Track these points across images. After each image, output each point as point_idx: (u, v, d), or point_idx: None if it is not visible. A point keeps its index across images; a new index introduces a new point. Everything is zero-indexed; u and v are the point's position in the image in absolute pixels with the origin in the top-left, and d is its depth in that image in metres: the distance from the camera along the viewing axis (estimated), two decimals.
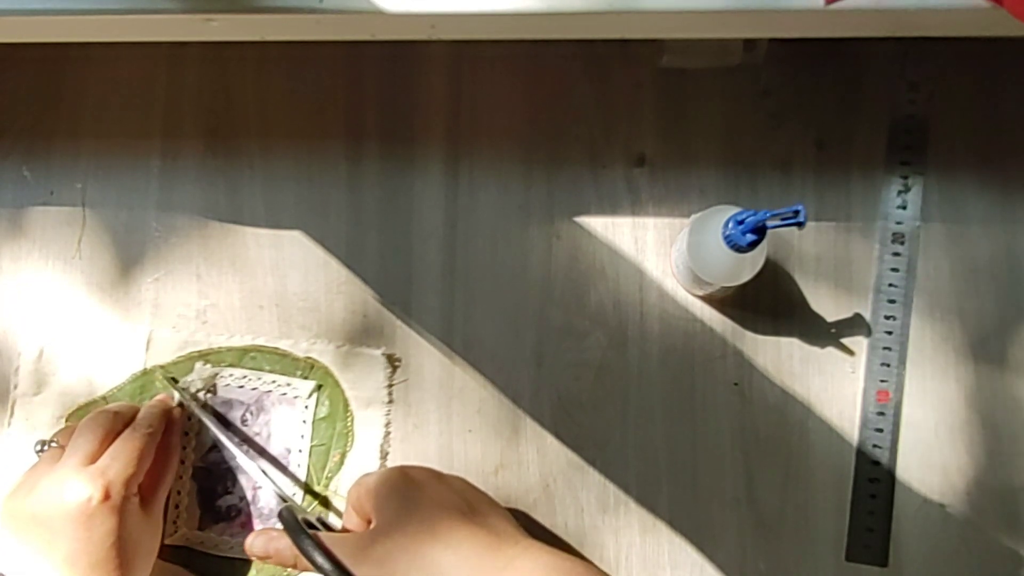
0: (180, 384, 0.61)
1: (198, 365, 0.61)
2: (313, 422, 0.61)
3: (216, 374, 0.61)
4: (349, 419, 0.61)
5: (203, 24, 0.52)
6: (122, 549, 0.53)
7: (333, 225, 0.63)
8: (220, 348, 0.62)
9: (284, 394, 0.61)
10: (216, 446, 0.61)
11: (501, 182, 0.63)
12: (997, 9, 0.49)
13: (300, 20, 0.52)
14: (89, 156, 0.64)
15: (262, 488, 0.60)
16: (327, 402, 0.61)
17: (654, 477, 0.60)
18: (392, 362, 0.61)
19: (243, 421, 0.61)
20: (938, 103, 0.63)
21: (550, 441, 0.61)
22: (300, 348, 0.62)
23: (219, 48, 0.63)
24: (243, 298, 0.63)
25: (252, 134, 0.64)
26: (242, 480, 0.61)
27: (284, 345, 0.62)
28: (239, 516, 0.60)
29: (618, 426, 0.61)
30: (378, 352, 0.61)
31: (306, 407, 0.61)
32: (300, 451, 0.61)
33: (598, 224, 0.63)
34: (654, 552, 0.59)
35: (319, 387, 0.61)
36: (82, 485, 0.52)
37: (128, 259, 0.63)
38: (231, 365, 0.61)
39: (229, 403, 0.61)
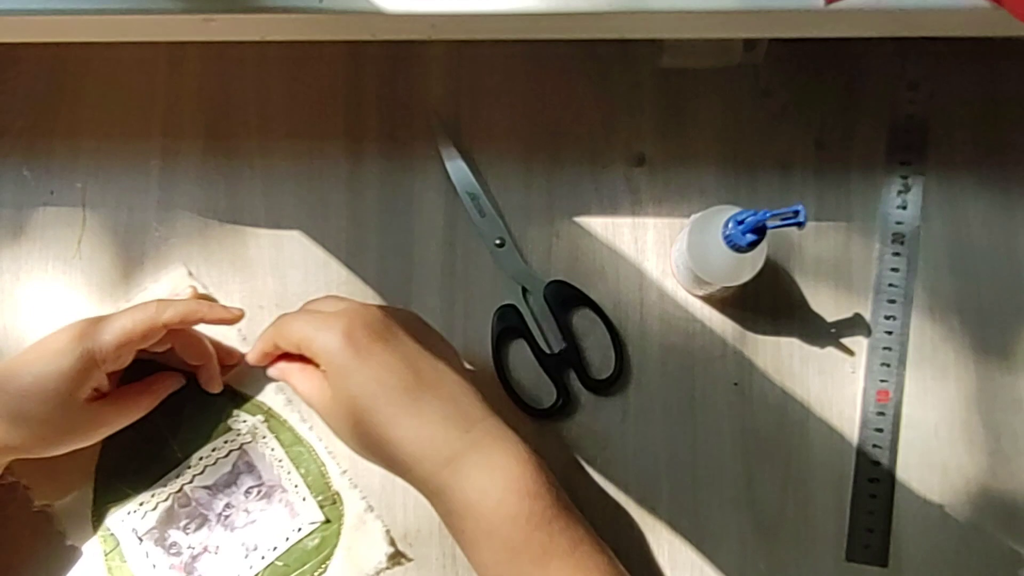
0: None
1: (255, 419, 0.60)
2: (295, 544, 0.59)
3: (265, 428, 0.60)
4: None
5: (203, 24, 0.52)
6: None
7: (333, 225, 0.63)
8: None
9: (292, 503, 0.59)
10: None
11: (501, 182, 0.63)
12: (997, 9, 0.49)
13: (300, 20, 0.52)
14: (89, 156, 0.64)
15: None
16: (318, 538, 0.59)
17: (654, 477, 0.60)
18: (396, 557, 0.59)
19: (247, 492, 0.60)
20: (938, 103, 0.63)
21: (550, 441, 0.61)
22: None
23: (219, 48, 0.63)
24: (243, 298, 0.63)
25: (252, 134, 0.64)
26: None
27: None
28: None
29: (618, 426, 0.61)
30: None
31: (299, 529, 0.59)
32: (274, 549, 0.59)
33: (598, 224, 0.63)
34: (654, 552, 0.59)
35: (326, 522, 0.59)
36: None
37: (128, 259, 0.63)
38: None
39: (251, 466, 0.60)
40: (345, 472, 0.60)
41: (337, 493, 0.59)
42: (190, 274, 0.62)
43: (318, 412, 0.54)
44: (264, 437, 0.60)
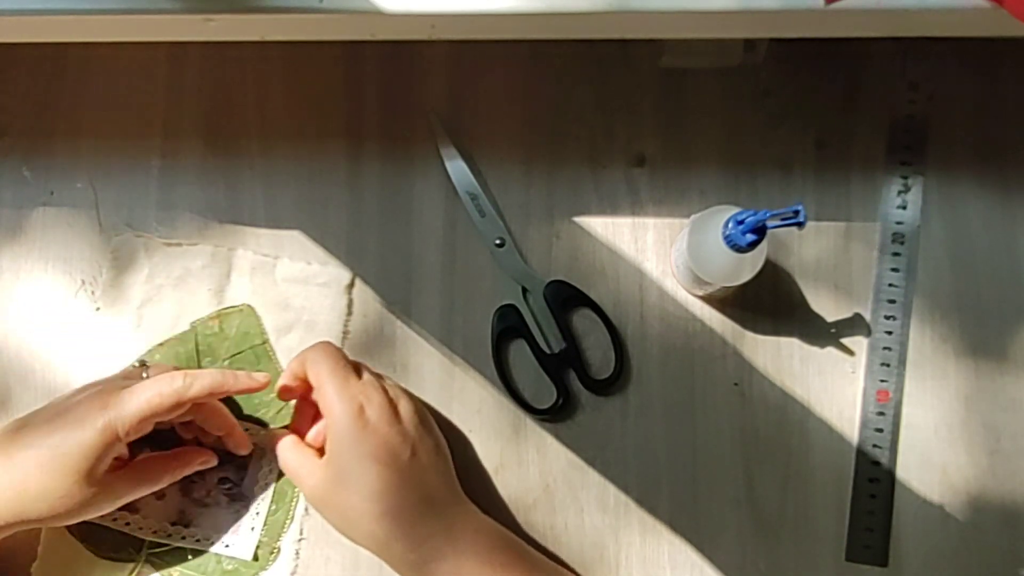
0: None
1: None
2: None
3: None
4: None
5: (203, 24, 0.52)
6: None
7: (333, 225, 0.63)
8: None
9: (242, 522, 0.59)
10: None
11: (501, 182, 0.63)
12: (997, 9, 0.49)
13: (300, 20, 0.52)
14: (89, 156, 0.64)
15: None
16: (234, 567, 0.59)
17: (654, 477, 0.60)
18: None
19: (221, 480, 0.59)
20: (938, 103, 0.63)
21: (550, 441, 0.61)
22: None
23: (219, 48, 0.63)
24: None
25: (252, 134, 0.64)
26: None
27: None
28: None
29: (618, 426, 0.61)
30: None
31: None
32: (197, 540, 0.59)
33: (598, 224, 0.63)
34: (654, 552, 0.59)
35: None
36: None
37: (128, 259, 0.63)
38: None
39: (244, 466, 0.60)
40: (300, 540, 0.59)
41: (279, 549, 0.59)
42: (143, 364, 0.59)
43: (303, 489, 0.55)
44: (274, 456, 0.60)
